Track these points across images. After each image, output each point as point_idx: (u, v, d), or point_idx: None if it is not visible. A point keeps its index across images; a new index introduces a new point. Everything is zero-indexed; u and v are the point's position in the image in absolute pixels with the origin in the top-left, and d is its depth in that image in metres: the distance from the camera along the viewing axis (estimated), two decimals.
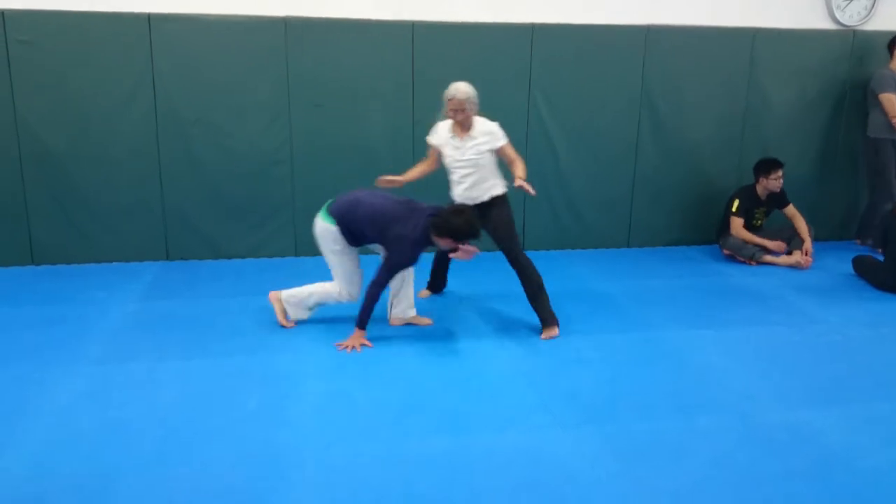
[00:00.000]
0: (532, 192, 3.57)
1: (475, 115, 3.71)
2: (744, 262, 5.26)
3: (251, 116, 4.96)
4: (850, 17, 5.67)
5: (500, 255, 5.49)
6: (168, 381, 3.15)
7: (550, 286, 3.81)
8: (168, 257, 5.10)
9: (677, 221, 5.74)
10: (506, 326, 3.88)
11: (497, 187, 3.84)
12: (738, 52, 5.48)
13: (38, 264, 4.93)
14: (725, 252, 5.41)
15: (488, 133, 3.72)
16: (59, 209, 4.87)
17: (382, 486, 2.37)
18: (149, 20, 4.67)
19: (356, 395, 3.03)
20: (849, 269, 4.99)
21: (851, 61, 5.66)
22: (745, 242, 5.28)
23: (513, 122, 5.28)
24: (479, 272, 4.88)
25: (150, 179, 4.94)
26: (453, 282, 4.52)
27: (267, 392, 3.05)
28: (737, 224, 5.32)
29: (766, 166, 5.28)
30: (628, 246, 5.68)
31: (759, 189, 5.33)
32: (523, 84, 5.22)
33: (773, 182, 5.25)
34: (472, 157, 3.72)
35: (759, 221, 5.44)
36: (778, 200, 5.40)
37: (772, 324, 3.99)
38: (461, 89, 3.59)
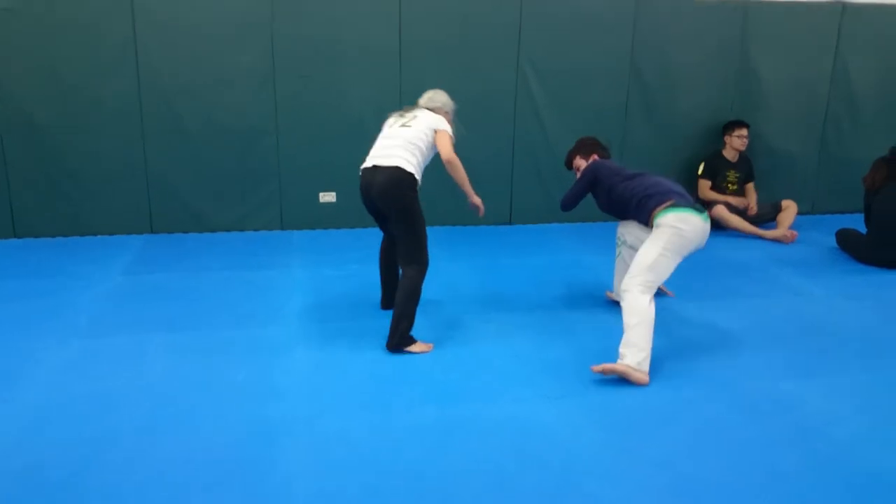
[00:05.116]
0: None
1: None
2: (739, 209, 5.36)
3: (236, 86, 4.90)
4: None
5: (485, 230, 5.47)
6: (156, 353, 3.14)
7: (539, 260, 3.80)
8: (152, 230, 5.05)
9: None
10: (492, 300, 3.90)
11: None
12: (729, 24, 5.47)
13: (19, 237, 4.88)
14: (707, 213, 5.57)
15: None
16: (41, 181, 4.81)
17: (372, 453, 2.39)
18: None
19: (345, 367, 3.04)
20: (832, 242, 5.04)
21: (840, 34, 5.67)
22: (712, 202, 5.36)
23: (501, 91, 5.26)
24: (465, 246, 4.90)
25: (134, 150, 4.88)
26: (439, 257, 4.52)
27: (256, 363, 3.05)
28: (703, 186, 5.46)
29: (731, 125, 5.42)
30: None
31: (727, 151, 5.44)
32: (512, 53, 5.18)
33: (737, 140, 5.39)
34: None
35: (734, 186, 5.50)
36: (748, 169, 5.49)
37: (756, 296, 4.04)
38: None
